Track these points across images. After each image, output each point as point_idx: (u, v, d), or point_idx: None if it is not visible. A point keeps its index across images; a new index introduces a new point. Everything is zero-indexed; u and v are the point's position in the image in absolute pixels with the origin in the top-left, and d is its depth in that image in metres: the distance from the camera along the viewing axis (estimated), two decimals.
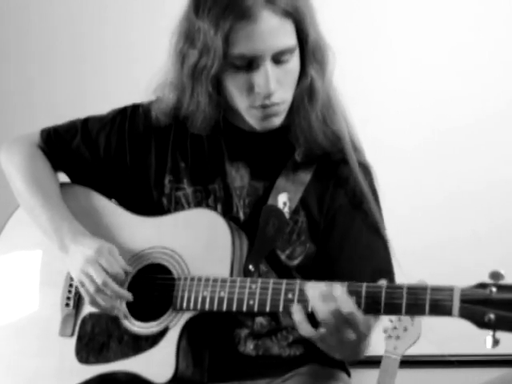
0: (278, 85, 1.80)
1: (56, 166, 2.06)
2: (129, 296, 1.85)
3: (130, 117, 2.01)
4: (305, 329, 1.66)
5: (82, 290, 1.87)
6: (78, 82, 3.19)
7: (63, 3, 3.21)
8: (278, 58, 1.79)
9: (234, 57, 1.78)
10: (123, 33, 3.16)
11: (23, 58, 3.21)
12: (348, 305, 1.62)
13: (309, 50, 1.84)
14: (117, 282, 1.83)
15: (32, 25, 3.20)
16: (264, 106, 1.82)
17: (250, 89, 1.81)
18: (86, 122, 2.05)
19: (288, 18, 1.79)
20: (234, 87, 1.82)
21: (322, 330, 1.65)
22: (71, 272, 1.90)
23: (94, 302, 1.85)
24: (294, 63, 1.82)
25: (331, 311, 1.62)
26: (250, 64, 1.79)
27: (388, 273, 1.84)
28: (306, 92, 1.86)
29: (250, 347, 1.89)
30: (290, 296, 1.72)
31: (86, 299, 1.86)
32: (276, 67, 1.80)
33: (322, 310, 1.64)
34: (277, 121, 1.85)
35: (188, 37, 1.84)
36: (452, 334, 2.69)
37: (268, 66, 1.78)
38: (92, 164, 2.02)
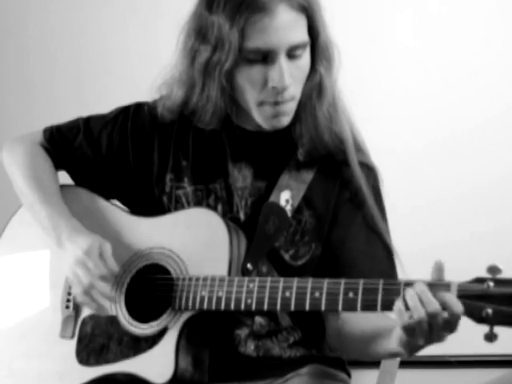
0: (291, 79, 1.81)
1: (58, 165, 2.06)
2: (115, 298, 1.85)
3: (133, 115, 2.01)
4: (402, 316, 1.57)
5: (73, 290, 1.87)
6: (78, 82, 3.19)
7: (63, 3, 3.21)
8: (291, 53, 1.80)
9: (248, 51, 1.78)
10: (123, 33, 3.16)
11: (23, 58, 3.21)
12: (459, 307, 1.56)
13: (319, 46, 1.84)
14: (105, 283, 1.83)
15: (32, 25, 3.20)
16: (276, 103, 1.82)
17: (264, 83, 1.81)
18: (89, 120, 2.06)
19: (302, 13, 1.80)
20: (247, 82, 1.82)
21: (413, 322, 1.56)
22: (66, 271, 1.90)
23: (83, 303, 1.86)
24: (305, 59, 1.83)
25: (431, 311, 1.55)
26: (265, 58, 1.79)
27: (389, 276, 1.83)
28: (316, 89, 1.86)
29: (250, 348, 1.89)
30: (287, 294, 1.71)
31: (77, 299, 1.87)
32: (290, 62, 1.80)
33: (419, 311, 1.55)
34: (285, 120, 1.85)
35: (200, 33, 1.84)
36: (451, 335, 2.69)
37: (283, 60, 1.79)
38: (94, 162, 2.02)
